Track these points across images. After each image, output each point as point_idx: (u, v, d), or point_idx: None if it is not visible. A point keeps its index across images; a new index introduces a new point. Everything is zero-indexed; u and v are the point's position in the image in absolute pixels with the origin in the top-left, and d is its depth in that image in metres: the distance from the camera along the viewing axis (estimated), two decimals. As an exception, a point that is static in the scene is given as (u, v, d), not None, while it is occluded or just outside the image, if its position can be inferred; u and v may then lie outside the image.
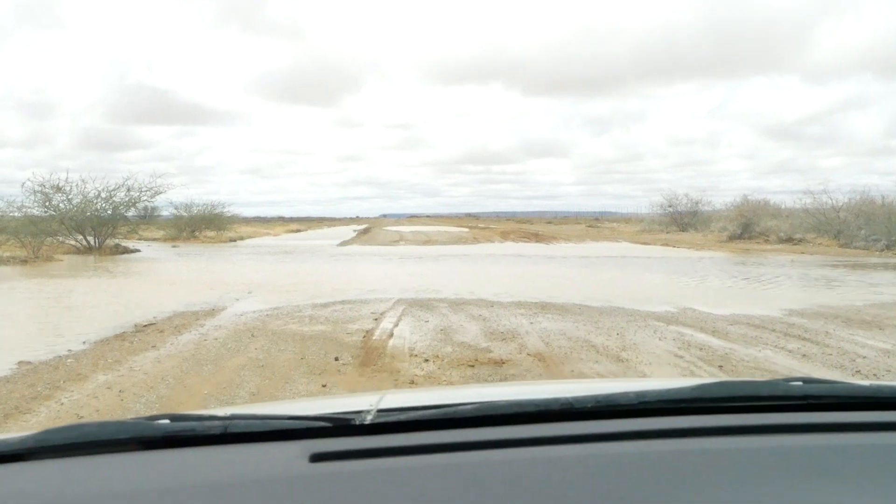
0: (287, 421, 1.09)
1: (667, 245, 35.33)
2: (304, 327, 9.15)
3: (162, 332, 8.87)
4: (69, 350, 7.75)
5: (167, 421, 1.09)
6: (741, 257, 26.17)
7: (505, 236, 45.70)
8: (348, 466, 0.96)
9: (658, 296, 13.61)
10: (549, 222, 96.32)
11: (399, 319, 9.85)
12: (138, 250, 29.19)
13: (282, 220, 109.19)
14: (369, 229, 62.39)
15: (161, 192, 31.15)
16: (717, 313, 10.73)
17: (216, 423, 1.06)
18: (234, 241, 40.13)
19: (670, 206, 53.43)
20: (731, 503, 0.88)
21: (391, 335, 8.55)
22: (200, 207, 42.33)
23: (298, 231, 63.10)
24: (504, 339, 8.23)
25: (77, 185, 29.04)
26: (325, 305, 11.44)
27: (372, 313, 10.47)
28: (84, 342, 8.23)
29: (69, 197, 28.67)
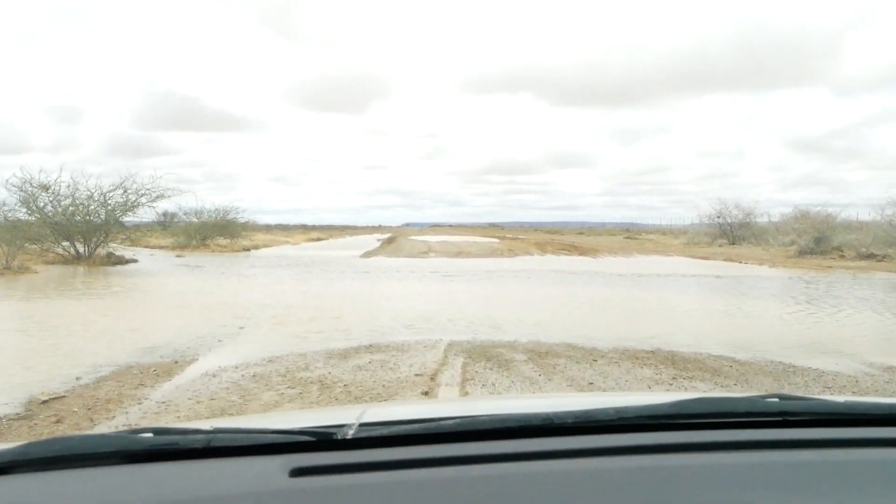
0: (270, 435, 1.05)
1: (730, 260, 31.22)
2: (307, 412, 5.38)
3: (59, 421, 5.11)
4: None
5: (150, 434, 1.05)
6: (832, 276, 22.00)
7: (542, 248, 41.70)
8: (328, 481, 0.93)
9: (808, 339, 9.70)
10: (581, 233, 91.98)
11: (462, 390, 6.07)
12: (135, 260, 25.51)
13: (304, 228, 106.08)
14: (394, 239, 58.59)
15: (164, 197, 27.44)
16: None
17: (199, 437, 1.03)
18: (248, 250, 36.59)
19: (719, 217, 49.58)
20: None
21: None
22: (212, 213, 38.89)
23: (319, 240, 59.53)
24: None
25: (68, 184, 25.46)
26: (344, 355, 7.66)
27: (417, 375, 6.68)
28: None
29: (57, 198, 25.12)
